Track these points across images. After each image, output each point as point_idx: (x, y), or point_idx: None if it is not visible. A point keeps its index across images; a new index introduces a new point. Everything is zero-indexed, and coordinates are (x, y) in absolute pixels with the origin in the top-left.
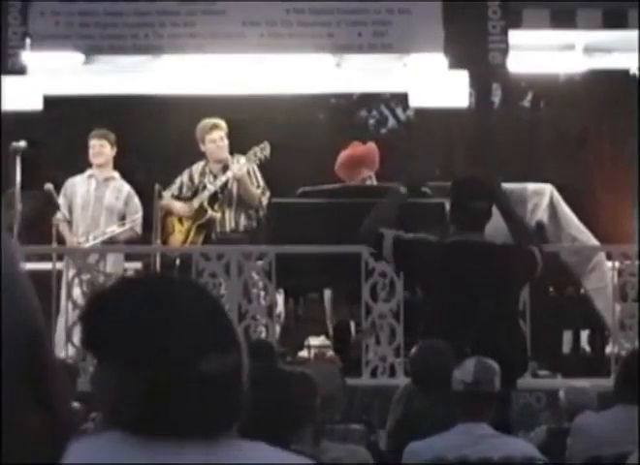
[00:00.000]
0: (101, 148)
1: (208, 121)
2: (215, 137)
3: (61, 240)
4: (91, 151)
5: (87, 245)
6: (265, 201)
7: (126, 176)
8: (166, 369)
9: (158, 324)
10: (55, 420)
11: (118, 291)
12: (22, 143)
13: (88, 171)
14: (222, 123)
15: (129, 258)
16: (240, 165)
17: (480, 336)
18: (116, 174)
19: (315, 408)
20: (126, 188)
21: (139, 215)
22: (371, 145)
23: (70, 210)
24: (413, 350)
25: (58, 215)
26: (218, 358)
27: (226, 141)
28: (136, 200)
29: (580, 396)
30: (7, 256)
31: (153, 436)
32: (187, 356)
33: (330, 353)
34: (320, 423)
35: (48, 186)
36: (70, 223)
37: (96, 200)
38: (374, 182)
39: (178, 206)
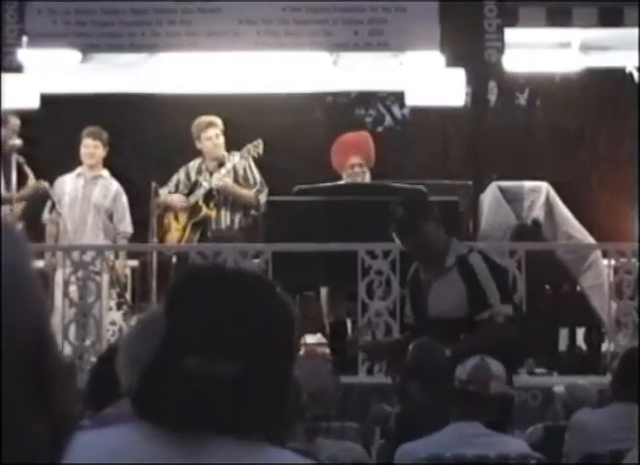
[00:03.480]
0: (94, 150)
1: (203, 119)
2: (211, 134)
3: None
4: (84, 150)
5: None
6: (263, 198)
7: (122, 174)
8: (215, 363)
9: (219, 317)
10: (57, 425)
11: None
12: (18, 141)
13: (78, 170)
14: (218, 120)
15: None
16: (221, 175)
17: None
18: (105, 172)
19: (301, 405)
20: (114, 186)
21: (128, 230)
22: (363, 133)
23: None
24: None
25: (45, 216)
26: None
27: (222, 139)
28: (124, 198)
29: (582, 393)
30: (20, 258)
31: (182, 429)
32: (240, 354)
33: (319, 349)
34: (313, 420)
35: (45, 184)
36: (57, 224)
37: (84, 198)
38: (366, 172)
39: (175, 198)
